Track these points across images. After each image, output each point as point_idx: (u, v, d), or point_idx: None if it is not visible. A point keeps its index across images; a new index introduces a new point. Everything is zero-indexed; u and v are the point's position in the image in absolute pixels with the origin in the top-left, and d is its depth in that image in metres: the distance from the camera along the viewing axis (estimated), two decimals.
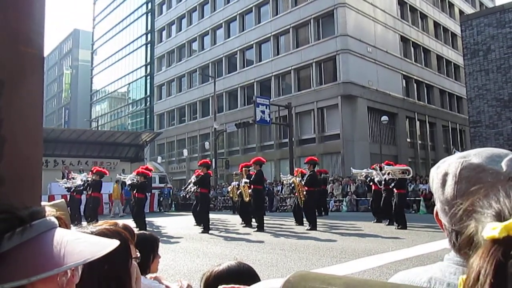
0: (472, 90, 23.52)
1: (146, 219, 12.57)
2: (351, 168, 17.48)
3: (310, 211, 11.80)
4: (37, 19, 0.76)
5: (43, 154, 0.84)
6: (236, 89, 34.24)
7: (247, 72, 33.45)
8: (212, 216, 13.10)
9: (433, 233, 9.46)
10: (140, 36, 49.70)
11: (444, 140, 34.41)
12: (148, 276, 2.11)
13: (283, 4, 31.65)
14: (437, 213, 0.87)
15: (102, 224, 1.20)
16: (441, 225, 0.87)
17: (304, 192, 11.99)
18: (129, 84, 52.80)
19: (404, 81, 31.72)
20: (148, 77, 47.43)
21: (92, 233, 1.07)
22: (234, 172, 17.90)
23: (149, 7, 47.89)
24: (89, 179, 14.71)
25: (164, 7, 43.94)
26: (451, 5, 38.57)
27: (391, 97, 29.43)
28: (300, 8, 29.87)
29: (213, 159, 26.12)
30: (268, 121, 24.28)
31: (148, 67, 47.67)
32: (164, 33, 43.67)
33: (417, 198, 17.86)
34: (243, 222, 13.19)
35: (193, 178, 13.78)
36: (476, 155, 0.82)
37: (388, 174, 11.81)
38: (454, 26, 36.57)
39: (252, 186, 12.33)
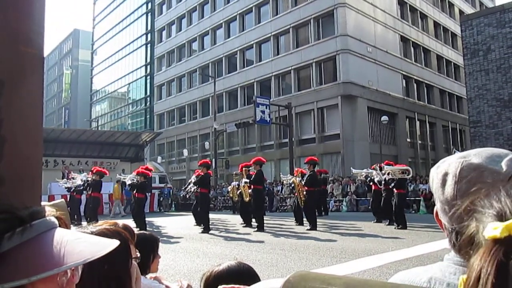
0: (472, 90, 23.53)
1: (146, 219, 12.57)
2: (351, 168, 17.48)
3: (310, 211, 11.80)
4: (37, 19, 0.76)
5: (43, 154, 0.84)
6: (236, 89, 34.24)
7: (247, 72, 33.46)
8: (212, 216, 13.10)
9: (433, 233, 9.46)
10: (140, 36, 49.71)
11: (444, 140, 34.42)
12: (148, 276, 2.11)
13: (283, 4, 31.65)
14: (437, 213, 0.87)
15: (102, 224, 1.20)
16: (441, 225, 0.87)
17: (304, 192, 12.00)
18: (129, 84, 52.81)
19: (404, 81, 31.73)
20: (148, 77, 47.43)
21: (92, 233, 1.07)
22: (234, 172, 17.91)
23: (149, 7, 47.89)
24: (89, 179, 14.70)
25: (164, 7, 43.94)
26: (451, 5, 38.57)
27: (391, 97, 29.43)
28: (300, 8, 29.87)
29: (213, 159, 26.12)
30: (268, 121, 24.28)
31: (148, 67, 47.67)
32: (164, 33, 43.67)
33: (417, 198, 17.86)
34: (243, 222, 13.20)
35: (193, 178, 13.78)
36: (476, 155, 0.82)
37: (388, 174, 11.81)
38: (454, 26, 36.57)
39: (252, 186, 12.33)
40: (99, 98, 62.14)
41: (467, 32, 23.95)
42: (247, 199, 13.15)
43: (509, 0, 23.16)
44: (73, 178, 16.38)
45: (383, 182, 12.16)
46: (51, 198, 17.32)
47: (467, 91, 24.03)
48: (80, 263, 0.60)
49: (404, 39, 32.18)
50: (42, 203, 0.76)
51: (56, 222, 0.66)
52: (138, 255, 1.39)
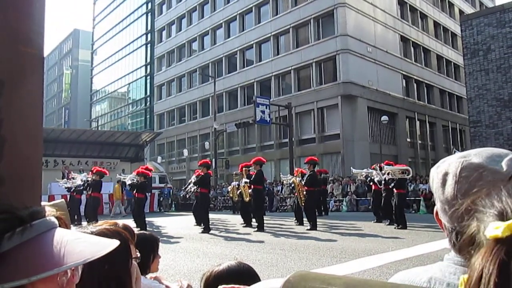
0: (472, 90, 23.53)
1: (146, 219, 12.57)
2: (351, 168, 17.47)
3: (310, 211, 11.80)
4: (37, 19, 0.76)
5: (43, 154, 0.84)
6: (236, 89, 34.24)
7: (247, 72, 33.46)
8: (212, 216, 13.10)
9: (433, 233, 9.46)
10: (140, 36, 49.71)
11: (444, 140, 34.42)
12: (148, 276, 2.11)
13: (283, 4, 31.65)
14: (437, 212, 0.87)
15: (102, 224, 1.20)
16: (441, 224, 0.87)
17: (304, 192, 12.00)
18: (129, 84, 52.81)
19: (404, 81, 31.73)
20: (148, 77, 47.44)
21: (92, 233, 1.07)
22: (234, 172, 17.92)
23: (149, 7, 47.89)
24: (89, 179, 14.70)
25: (164, 7, 43.94)
26: (451, 5, 38.58)
27: (391, 97, 29.43)
28: (300, 8, 29.87)
29: (213, 159, 26.12)
30: (268, 121, 24.28)
31: (148, 67, 47.68)
32: (164, 33, 43.67)
33: (417, 198, 17.86)
34: (244, 222, 13.20)
35: (193, 178, 13.79)
36: (476, 155, 0.82)
37: (388, 174, 11.81)
38: (454, 26, 36.57)
39: (252, 186, 12.34)
40: (99, 98, 62.15)
41: (467, 32, 23.95)
42: (247, 199, 13.16)
43: (509, 0, 23.16)
44: (73, 178, 16.38)
45: (383, 182, 12.16)
46: (51, 198, 17.32)
47: (467, 91, 24.04)
48: (80, 263, 0.60)
49: (404, 39, 32.19)
50: (42, 203, 0.76)
51: (56, 222, 0.66)
52: (138, 255, 1.39)
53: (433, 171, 0.88)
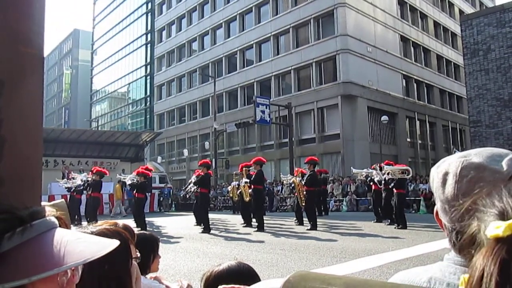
0: (472, 89, 23.53)
1: (146, 219, 12.58)
2: (352, 167, 17.47)
3: (311, 211, 11.80)
4: (37, 19, 0.76)
5: (43, 154, 0.84)
6: (236, 89, 34.25)
7: (247, 72, 33.46)
8: (212, 216, 13.11)
9: (433, 233, 9.46)
10: (140, 36, 49.71)
11: (444, 139, 34.42)
12: (148, 276, 2.11)
13: (283, 4, 31.65)
14: (437, 212, 0.87)
15: (102, 224, 1.20)
16: (441, 224, 0.87)
17: (304, 192, 12.00)
18: (129, 84, 52.81)
19: (404, 81, 31.73)
20: (148, 77, 47.44)
21: (92, 233, 1.07)
22: (234, 172, 17.91)
23: (149, 7, 47.89)
24: (89, 179, 14.71)
25: (164, 7, 43.94)
26: (451, 5, 38.58)
27: (391, 97, 29.43)
28: (300, 8, 29.87)
29: (213, 159, 26.12)
30: (268, 121, 24.28)
31: (148, 67, 47.68)
32: (164, 33, 43.67)
33: (417, 198, 17.86)
34: (244, 222, 13.20)
35: (193, 178, 13.79)
36: (476, 155, 0.82)
37: (388, 174, 11.81)
38: (454, 26, 36.57)
39: (252, 186, 12.34)
40: (99, 98, 62.15)
41: (467, 31, 23.95)
42: (247, 199, 13.16)
43: (509, 0, 23.16)
44: (73, 178, 16.38)
45: (382, 182, 12.17)
46: (51, 198, 17.32)
47: (467, 90, 24.04)
48: (80, 263, 0.60)
49: (404, 39, 32.18)
50: (42, 203, 0.76)
51: (56, 222, 0.66)
52: (138, 255, 1.39)
53: (434, 170, 0.88)
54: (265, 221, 12.07)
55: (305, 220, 12.10)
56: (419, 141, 31.98)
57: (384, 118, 24.95)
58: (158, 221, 15.80)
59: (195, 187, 13.27)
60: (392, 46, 30.63)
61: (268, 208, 20.61)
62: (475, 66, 23.43)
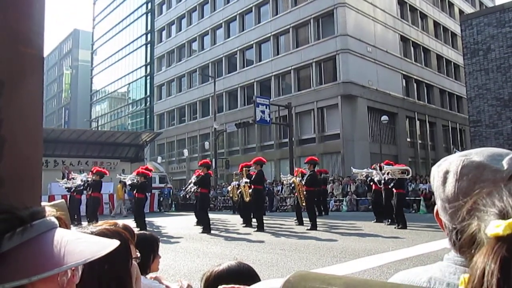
0: (472, 89, 23.52)
1: (146, 219, 12.57)
2: (352, 167, 17.47)
3: (311, 211, 11.80)
4: (37, 20, 0.76)
5: (43, 154, 0.84)
6: (236, 89, 34.25)
7: (247, 72, 33.46)
8: (212, 216, 13.10)
9: (433, 233, 9.46)
10: (140, 36, 49.71)
11: (444, 139, 34.42)
12: (148, 276, 2.11)
13: (283, 4, 31.65)
14: (437, 212, 0.87)
15: (102, 224, 1.20)
16: (441, 224, 0.87)
17: (304, 192, 12.00)
18: (129, 84, 52.82)
19: (404, 80, 31.73)
20: (148, 77, 47.44)
21: (92, 233, 1.07)
22: (234, 172, 17.92)
23: (149, 7, 47.89)
24: (89, 179, 14.71)
25: (164, 7, 43.94)
26: (451, 5, 38.58)
27: (391, 96, 29.43)
28: (300, 8, 29.87)
29: (213, 159, 26.12)
30: (268, 121, 24.29)
31: (148, 67, 47.68)
32: (164, 33, 43.67)
33: (417, 198, 17.85)
34: (244, 222, 13.20)
35: (193, 178, 13.80)
36: (477, 154, 0.83)
37: (388, 174, 11.81)
38: (454, 26, 36.57)
39: (252, 186, 12.34)
40: (99, 98, 62.16)
41: (467, 31, 23.95)
42: (247, 199, 13.16)
43: (509, 0, 23.16)
44: (73, 178, 16.40)
45: (382, 181, 12.17)
46: (51, 198, 17.33)
47: (467, 90, 24.03)
48: (80, 263, 0.60)
49: (404, 39, 32.18)
50: (42, 203, 0.76)
51: (56, 222, 0.66)
52: (138, 255, 1.40)
53: (434, 169, 0.88)
54: (265, 221, 12.07)
55: (305, 220, 12.10)
56: (419, 141, 31.98)
57: (384, 118, 24.95)
58: (158, 221, 15.80)
59: (195, 187, 13.27)
60: (392, 46, 30.62)
61: (268, 208, 20.61)
62: (475, 66, 23.42)
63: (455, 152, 12.88)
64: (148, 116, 47.36)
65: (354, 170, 15.99)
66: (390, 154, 26.62)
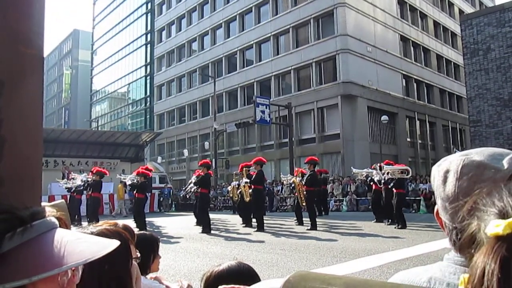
0: (472, 89, 23.52)
1: (146, 219, 12.57)
2: (352, 167, 17.47)
3: (311, 211, 11.80)
4: (37, 20, 0.76)
5: (43, 154, 0.84)
6: (236, 89, 34.25)
7: (247, 72, 33.46)
8: (212, 216, 13.10)
9: (433, 233, 9.46)
10: (140, 36, 49.71)
11: (444, 139, 34.42)
12: (149, 276, 2.12)
13: (283, 4, 31.65)
14: (437, 211, 0.87)
15: (102, 224, 1.20)
16: (441, 223, 0.87)
17: (304, 192, 12.00)
18: (129, 84, 52.82)
19: (404, 80, 31.73)
20: (148, 77, 47.45)
21: (92, 233, 1.07)
22: (234, 172, 17.91)
23: (149, 7, 47.89)
24: (89, 179, 14.72)
25: (164, 7, 43.94)
26: (451, 5, 38.58)
27: (391, 96, 29.43)
28: (300, 8, 29.87)
29: (213, 159, 26.12)
30: (268, 121, 24.28)
31: (148, 67, 47.68)
32: (164, 33, 43.67)
33: (417, 198, 17.84)
34: (243, 222, 13.20)
35: (193, 178, 13.80)
36: (478, 153, 0.83)
37: (388, 173, 11.81)
38: (454, 26, 36.57)
39: (252, 186, 12.34)
40: (99, 98, 62.15)
41: (467, 31, 23.94)
42: (247, 199, 13.16)
43: (509, 0, 23.19)
44: (73, 179, 16.40)
45: (382, 181, 12.17)
46: (51, 198, 17.33)
47: (467, 90, 24.03)
48: (80, 263, 0.60)
49: (404, 39, 32.18)
50: (42, 203, 0.76)
51: (57, 222, 0.67)
52: (138, 255, 1.40)
53: (435, 169, 0.88)
54: (265, 221, 12.07)
55: (305, 220, 12.10)
56: (419, 141, 31.98)
57: (384, 118, 24.95)
58: (158, 221, 15.80)
59: (195, 187, 13.27)
60: (392, 46, 30.62)
61: (268, 208, 20.60)
62: (475, 65, 23.42)
63: (455, 152, 12.87)
64: (148, 116, 47.36)
65: (354, 170, 15.99)
66: (390, 154, 26.62)
